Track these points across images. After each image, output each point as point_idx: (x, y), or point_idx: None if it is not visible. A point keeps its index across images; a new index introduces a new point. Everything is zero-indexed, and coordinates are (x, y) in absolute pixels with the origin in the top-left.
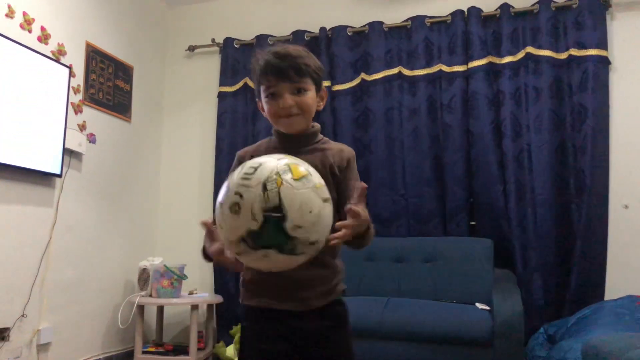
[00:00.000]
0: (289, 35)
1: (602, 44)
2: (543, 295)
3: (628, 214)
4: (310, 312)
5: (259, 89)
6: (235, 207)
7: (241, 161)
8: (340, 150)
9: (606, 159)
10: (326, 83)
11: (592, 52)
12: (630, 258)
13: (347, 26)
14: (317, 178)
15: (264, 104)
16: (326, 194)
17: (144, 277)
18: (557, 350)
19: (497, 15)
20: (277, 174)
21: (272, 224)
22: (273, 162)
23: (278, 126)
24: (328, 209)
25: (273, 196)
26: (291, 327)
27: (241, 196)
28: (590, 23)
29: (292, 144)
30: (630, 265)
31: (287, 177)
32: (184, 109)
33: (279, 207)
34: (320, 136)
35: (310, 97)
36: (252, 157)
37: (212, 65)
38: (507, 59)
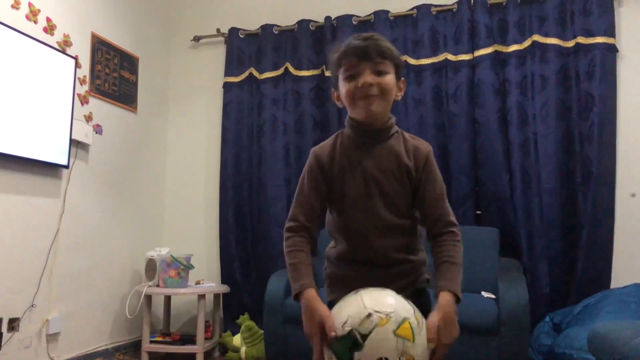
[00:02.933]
0: (294, 24)
1: (610, 31)
2: (549, 283)
3: (635, 203)
4: None
5: (337, 74)
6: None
7: (319, 162)
8: (416, 148)
9: (613, 148)
10: None
11: (600, 39)
12: (636, 246)
13: (353, 15)
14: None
15: (341, 86)
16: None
17: (151, 267)
18: (562, 338)
19: (504, 3)
20: (388, 317)
21: (348, 342)
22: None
23: (355, 110)
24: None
25: (367, 327)
26: None
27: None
28: (598, 10)
29: (367, 139)
30: (636, 253)
31: (393, 326)
32: (189, 99)
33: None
34: (395, 129)
35: (391, 80)
36: (331, 159)
37: (217, 55)
38: (514, 48)
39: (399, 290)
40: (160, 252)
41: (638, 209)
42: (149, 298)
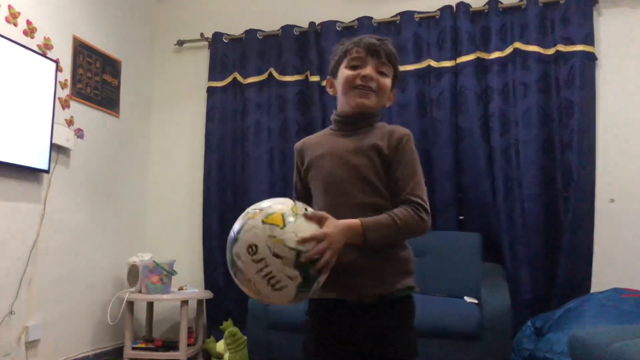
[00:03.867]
0: (278, 30)
1: (589, 39)
2: (531, 288)
3: (614, 208)
4: (366, 306)
5: (339, 61)
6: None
7: (300, 154)
8: (391, 130)
9: (592, 154)
10: (315, 78)
11: (579, 47)
12: (615, 251)
13: (337, 21)
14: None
15: (341, 73)
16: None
17: (133, 273)
18: (544, 342)
19: (486, 11)
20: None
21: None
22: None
23: (348, 96)
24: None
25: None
26: (346, 322)
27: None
28: (577, 19)
29: (347, 126)
30: (615, 258)
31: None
32: (172, 103)
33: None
34: (380, 123)
35: (388, 83)
36: (307, 147)
37: (201, 59)
38: (495, 55)
39: (370, 285)
40: (142, 257)
41: (617, 215)
42: (131, 304)
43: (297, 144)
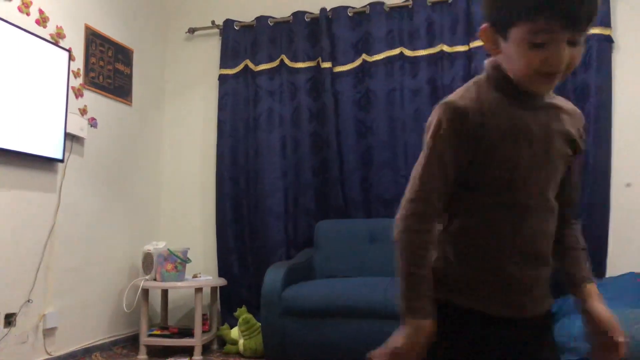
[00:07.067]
0: (289, 16)
1: (606, 22)
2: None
3: (630, 192)
4: (525, 321)
5: (513, 21)
6: None
7: (466, 121)
8: (574, 112)
9: (608, 138)
10: (327, 64)
11: (596, 30)
12: (631, 235)
13: (348, 7)
14: None
15: (516, 46)
16: None
17: (148, 261)
18: (560, 327)
19: None
20: None
21: None
22: None
23: (526, 82)
24: None
25: None
26: (502, 337)
27: None
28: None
29: (524, 99)
30: (631, 242)
31: None
32: (185, 91)
33: None
34: None
35: (582, 50)
36: (483, 118)
37: (212, 47)
38: None
39: (535, 301)
40: (157, 245)
41: (633, 199)
42: (146, 292)
43: (459, 105)
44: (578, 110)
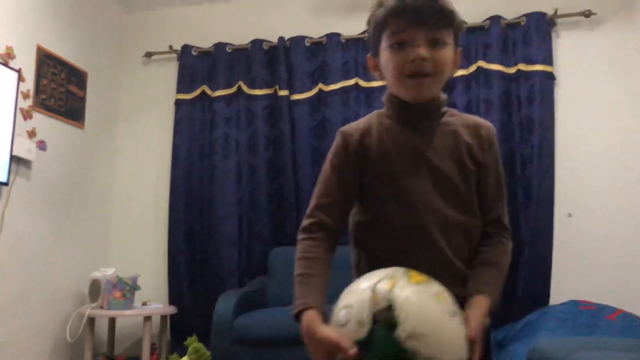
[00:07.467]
0: (248, 44)
1: (548, 60)
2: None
3: (571, 222)
4: None
5: (379, 36)
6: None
7: (347, 141)
8: (476, 126)
9: (552, 169)
10: (284, 92)
11: (539, 67)
12: (573, 264)
13: (306, 37)
14: (438, 287)
15: (383, 55)
16: (452, 305)
17: (95, 288)
18: (505, 354)
19: None
20: (391, 277)
21: (380, 331)
22: (389, 270)
23: (400, 88)
24: (454, 324)
25: (382, 298)
26: None
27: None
28: (537, 40)
29: (413, 117)
30: (573, 271)
31: (403, 279)
32: (140, 115)
33: (390, 312)
34: (446, 109)
35: (448, 54)
36: (368, 140)
37: (169, 72)
38: (460, 72)
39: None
40: (105, 272)
41: (574, 229)
42: (92, 320)
43: (348, 130)
44: (486, 124)
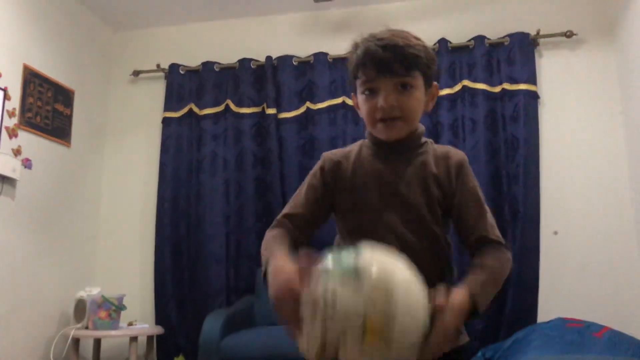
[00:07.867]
0: (235, 62)
1: (532, 79)
2: (481, 319)
3: (557, 240)
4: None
5: (355, 82)
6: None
7: (324, 165)
8: (445, 155)
9: (537, 187)
10: (272, 110)
11: (523, 86)
12: (559, 281)
13: (293, 56)
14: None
15: (360, 101)
16: (418, 278)
17: (80, 308)
18: None
19: (436, 50)
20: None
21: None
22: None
23: (374, 131)
24: (417, 286)
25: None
26: None
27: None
28: (520, 60)
29: (389, 152)
30: (560, 288)
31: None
32: (127, 134)
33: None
34: (424, 140)
35: (417, 96)
36: (345, 166)
37: (156, 90)
38: (445, 92)
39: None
40: (90, 292)
41: (560, 246)
42: (76, 341)
43: (329, 154)
44: (456, 153)
